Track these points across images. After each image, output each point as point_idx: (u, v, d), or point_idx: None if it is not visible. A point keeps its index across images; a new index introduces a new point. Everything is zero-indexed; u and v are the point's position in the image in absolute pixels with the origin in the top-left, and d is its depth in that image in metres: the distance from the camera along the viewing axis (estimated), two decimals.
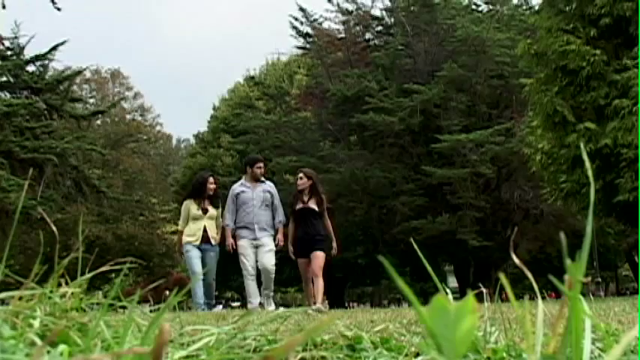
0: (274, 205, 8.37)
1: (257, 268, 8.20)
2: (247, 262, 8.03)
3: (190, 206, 8.50)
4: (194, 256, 8.34)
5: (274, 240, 8.25)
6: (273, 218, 8.37)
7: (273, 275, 8.16)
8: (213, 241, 8.41)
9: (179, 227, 8.69)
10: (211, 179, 8.71)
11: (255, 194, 8.24)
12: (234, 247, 8.17)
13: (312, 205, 8.08)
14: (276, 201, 8.38)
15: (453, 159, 22.84)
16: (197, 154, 33.62)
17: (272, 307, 7.86)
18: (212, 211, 8.49)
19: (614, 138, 13.08)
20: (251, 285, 7.97)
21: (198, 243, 8.37)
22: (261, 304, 7.89)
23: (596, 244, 26.47)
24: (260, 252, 8.11)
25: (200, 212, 8.44)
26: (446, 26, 24.68)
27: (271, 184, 8.57)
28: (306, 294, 8.25)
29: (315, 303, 7.59)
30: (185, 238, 8.45)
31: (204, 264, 8.39)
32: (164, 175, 35.63)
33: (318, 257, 7.93)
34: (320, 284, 7.80)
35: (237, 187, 8.40)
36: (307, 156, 24.47)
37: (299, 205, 8.11)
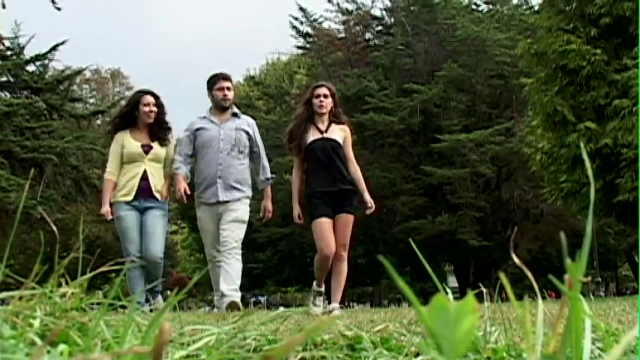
0: (255, 153, 5.50)
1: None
2: (209, 244, 5.36)
3: (125, 139, 5.48)
4: (129, 226, 5.33)
5: (260, 210, 5.55)
6: (257, 175, 5.56)
7: (240, 265, 5.16)
8: (157, 195, 5.40)
9: (106, 175, 5.54)
10: (149, 98, 5.54)
11: (224, 133, 5.35)
12: (187, 192, 5.27)
13: (335, 135, 5.19)
14: (258, 145, 5.52)
15: (453, 159, 22.84)
16: None
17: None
18: (158, 150, 5.50)
19: (614, 138, 13.09)
20: (217, 275, 5.23)
21: (131, 198, 5.36)
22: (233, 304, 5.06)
23: (596, 244, 26.46)
24: (222, 220, 5.25)
25: (139, 149, 5.44)
26: (446, 26, 24.68)
27: (251, 120, 5.61)
28: (318, 277, 5.16)
29: (332, 302, 5.14)
30: (113, 195, 5.44)
31: (143, 232, 5.39)
32: None
33: (348, 224, 5.08)
34: (344, 272, 5.12)
35: (196, 122, 5.49)
36: None
37: (312, 137, 5.13)
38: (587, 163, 0.65)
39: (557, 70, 14.23)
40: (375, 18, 27.24)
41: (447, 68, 22.92)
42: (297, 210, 5.34)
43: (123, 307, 0.91)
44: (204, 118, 5.50)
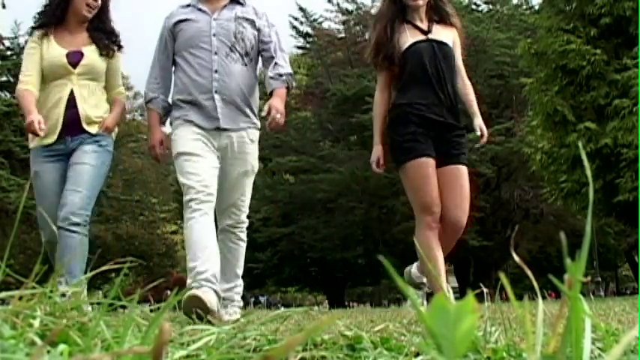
0: (265, 51, 3.57)
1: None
2: (193, 177, 3.26)
3: (44, 43, 3.63)
4: (46, 186, 3.53)
5: (262, 113, 3.45)
6: (266, 70, 3.60)
7: (245, 245, 3.54)
8: (91, 129, 3.57)
9: (20, 86, 3.60)
10: None
11: (218, 25, 3.49)
12: (163, 150, 3.54)
13: (442, 37, 3.58)
14: (272, 41, 3.58)
15: None
16: None
17: (234, 314, 3.41)
18: (93, 59, 3.66)
19: (614, 138, 13.10)
20: (196, 234, 3.15)
21: (53, 139, 3.53)
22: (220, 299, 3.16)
23: (596, 244, 26.48)
24: (225, 167, 3.42)
25: (63, 58, 3.58)
26: None
27: (260, 9, 3.70)
28: (423, 260, 3.41)
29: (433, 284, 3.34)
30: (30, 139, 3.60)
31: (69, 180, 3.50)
32: (164, 175, 35.62)
33: (464, 179, 3.45)
34: (452, 242, 3.44)
35: (176, 13, 3.61)
36: (307, 156, 24.50)
37: (410, 40, 3.47)
38: (587, 164, 0.65)
39: (557, 70, 14.25)
40: None
41: None
42: (378, 151, 3.56)
43: (123, 307, 0.91)
44: (189, 6, 3.60)
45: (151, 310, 1.06)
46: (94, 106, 3.63)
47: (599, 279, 29.22)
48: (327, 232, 24.63)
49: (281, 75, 3.51)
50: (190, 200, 3.23)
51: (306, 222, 25.35)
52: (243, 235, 3.55)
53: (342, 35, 26.76)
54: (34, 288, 0.86)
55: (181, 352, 0.78)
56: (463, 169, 3.47)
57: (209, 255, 3.12)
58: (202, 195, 3.24)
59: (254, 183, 3.78)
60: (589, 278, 24.87)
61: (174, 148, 3.42)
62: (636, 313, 2.77)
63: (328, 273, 28.05)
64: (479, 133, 3.64)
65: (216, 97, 3.40)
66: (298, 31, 27.07)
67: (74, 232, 3.31)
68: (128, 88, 40.12)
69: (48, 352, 0.65)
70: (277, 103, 3.39)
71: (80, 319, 0.80)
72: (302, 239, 25.40)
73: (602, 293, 28.34)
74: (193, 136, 3.37)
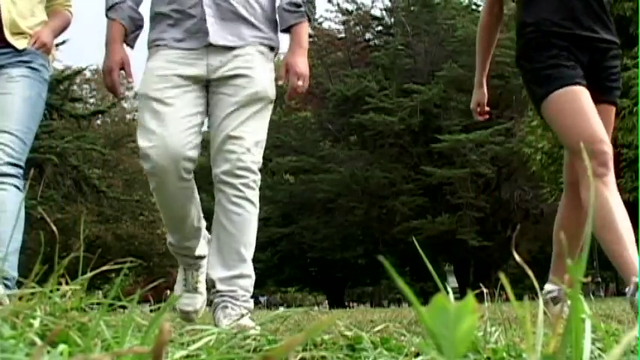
0: None
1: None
2: (154, 139, 2.19)
3: None
4: None
5: (279, 81, 2.43)
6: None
7: (255, 213, 2.20)
8: (19, 43, 2.52)
9: None
10: None
11: None
12: (127, 75, 2.38)
13: None
14: None
15: (453, 159, 22.88)
16: None
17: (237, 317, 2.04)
18: None
19: (614, 138, 13.10)
20: (179, 222, 2.34)
21: None
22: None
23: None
24: (216, 101, 2.31)
25: None
26: (446, 26, 24.72)
27: None
28: (562, 222, 2.31)
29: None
30: None
31: None
32: None
33: (610, 121, 2.40)
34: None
35: None
36: (307, 156, 24.53)
37: None
38: (587, 163, 0.65)
39: None
40: (375, 18, 27.29)
41: (447, 68, 22.96)
42: (478, 95, 2.82)
43: (123, 307, 0.92)
44: None
45: (151, 310, 1.06)
46: (25, 13, 2.60)
47: (600, 279, 29.23)
48: (327, 232, 24.65)
49: (299, 5, 2.41)
50: (149, 175, 2.26)
51: (306, 222, 25.36)
52: (251, 193, 2.23)
53: (342, 35, 26.79)
54: (34, 288, 0.86)
55: (181, 352, 0.78)
56: (613, 112, 2.49)
57: (186, 231, 2.40)
58: (161, 170, 2.23)
59: None
60: (589, 278, 24.84)
61: (142, 89, 2.34)
62: (636, 313, 2.77)
63: (328, 273, 28.06)
64: None
65: (206, 1, 2.31)
66: None
67: (4, 183, 2.32)
68: (128, 89, 40.06)
69: (48, 352, 0.65)
70: (299, 62, 2.38)
71: (80, 319, 0.80)
72: (302, 239, 25.42)
73: (602, 293, 28.35)
74: (165, 69, 2.31)
